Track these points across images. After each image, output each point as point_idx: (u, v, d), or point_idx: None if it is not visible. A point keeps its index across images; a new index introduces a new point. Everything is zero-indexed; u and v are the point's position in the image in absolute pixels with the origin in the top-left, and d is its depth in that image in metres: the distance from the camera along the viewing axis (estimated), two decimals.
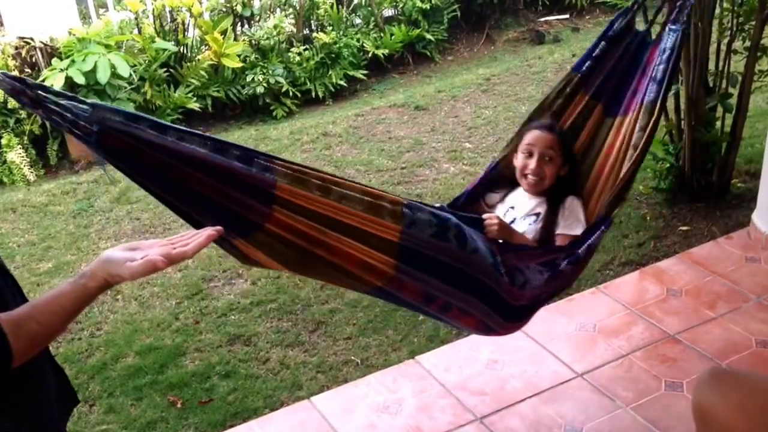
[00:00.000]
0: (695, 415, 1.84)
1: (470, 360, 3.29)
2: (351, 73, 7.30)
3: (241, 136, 6.22)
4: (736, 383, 1.81)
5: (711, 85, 4.18)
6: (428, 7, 7.80)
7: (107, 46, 6.12)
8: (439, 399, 3.09)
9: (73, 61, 5.94)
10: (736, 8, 4.01)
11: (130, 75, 6.11)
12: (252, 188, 1.88)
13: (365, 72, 7.42)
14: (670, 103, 4.33)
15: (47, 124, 5.90)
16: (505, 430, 2.90)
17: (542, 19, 8.65)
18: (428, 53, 7.91)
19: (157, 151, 1.76)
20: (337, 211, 2.00)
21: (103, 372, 3.46)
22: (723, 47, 4.15)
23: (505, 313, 2.46)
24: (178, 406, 3.22)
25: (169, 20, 6.90)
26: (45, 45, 6.23)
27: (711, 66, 4.16)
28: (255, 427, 3.04)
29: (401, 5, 7.79)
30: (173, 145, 1.78)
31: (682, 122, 4.25)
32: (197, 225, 1.92)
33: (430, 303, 2.31)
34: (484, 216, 2.46)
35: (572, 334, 3.39)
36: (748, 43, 4.06)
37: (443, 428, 2.94)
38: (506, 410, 2.99)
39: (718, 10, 4.07)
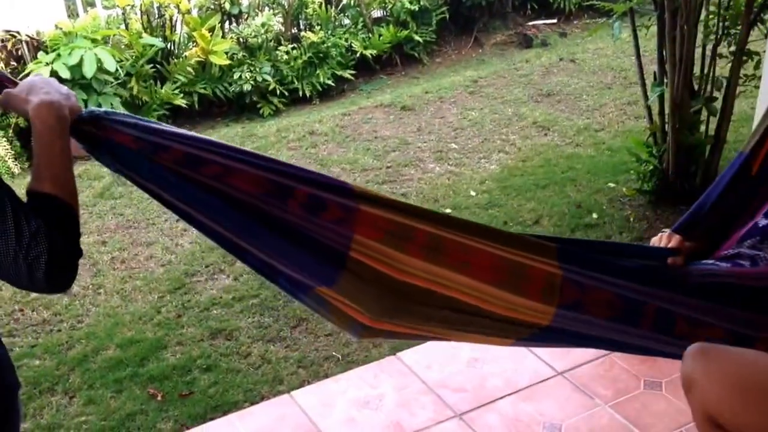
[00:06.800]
0: (683, 384, 1.77)
1: (451, 358, 3.29)
2: (339, 72, 7.30)
3: (228, 133, 6.21)
4: (719, 356, 1.77)
5: (696, 88, 4.21)
6: (417, 9, 7.82)
7: (94, 41, 6.10)
8: (419, 395, 3.09)
9: (59, 55, 5.91)
10: (722, 12, 4.04)
11: (117, 70, 6.09)
12: (326, 184, 1.47)
13: (353, 72, 7.43)
14: (655, 106, 4.35)
15: None
16: (485, 426, 2.90)
17: (530, 23, 8.68)
18: (416, 54, 7.93)
19: (176, 141, 1.40)
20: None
21: (84, 364, 3.44)
22: (708, 51, 4.17)
23: (756, 300, 1.78)
24: (158, 398, 3.20)
25: (156, 16, 6.88)
26: (31, 38, 6.20)
27: (696, 69, 4.18)
28: (235, 421, 3.03)
29: (390, 6, 7.80)
30: (196, 135, 1.44)
31: (666, 125, 4.28)
32: (244, 254, 1.49)
33: (636, 316, 1.70)
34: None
35: None
36: (733, 47, 4.09)
37: (423, 424, 2.94)
38: (486, 407, 2.99)
39: (704, 14, 4.09)
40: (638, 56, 4.39)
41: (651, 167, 4.38)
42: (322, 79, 7.14)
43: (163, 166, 1.42)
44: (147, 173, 1.43)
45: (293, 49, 7.16)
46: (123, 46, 6.47)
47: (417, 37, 7.84)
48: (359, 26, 7.70)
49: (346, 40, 7.46)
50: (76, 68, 5.84)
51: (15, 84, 1.45)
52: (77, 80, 5.88)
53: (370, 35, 7.64)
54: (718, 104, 4.17)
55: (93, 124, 1.41)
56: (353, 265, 1.47)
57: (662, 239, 1.85)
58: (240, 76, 6.79)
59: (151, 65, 6.57)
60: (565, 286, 1.59)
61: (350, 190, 1.48)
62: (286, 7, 7.36)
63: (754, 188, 1.92)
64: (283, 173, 1.44)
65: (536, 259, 1.56)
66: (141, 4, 6.77)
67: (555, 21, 8.76)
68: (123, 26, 6.72)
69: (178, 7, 6.74)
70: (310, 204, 1.43)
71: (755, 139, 1.94)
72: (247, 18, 7.34)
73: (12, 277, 1.33)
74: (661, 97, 4.26)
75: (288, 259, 1.47)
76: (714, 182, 2.00)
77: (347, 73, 7.36)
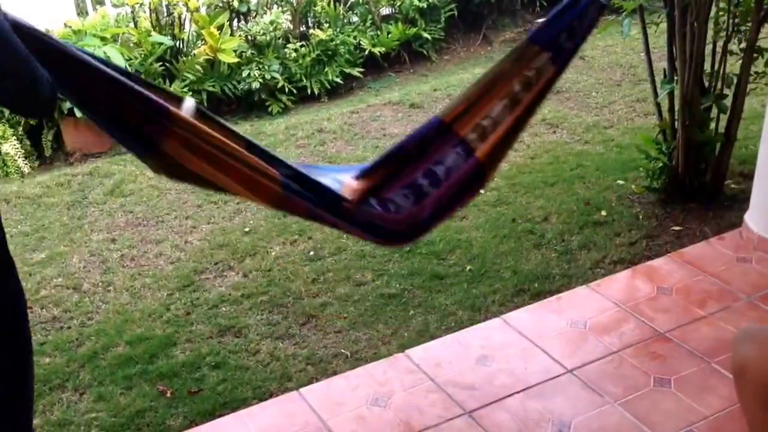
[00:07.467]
0: (733, 369, 1.96)
1: (460, 355, 3.30)
2: (347, 70, 7.29)
3: (236, 131, 6.20)
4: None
5: (706, 85, 4.19)
6: (425, 6, 7.80)
7: (103, 39, 6.12)
8: (428, 393, 3.09)
9: None
10: (732, 8, 4.02)
11: (126, 68, 6.09)
12: (150, 101, 2.14)
13: (361, 70, 7.42)
14: (664, 103, 4.34)
15: None
16: (494, 424, 2.90)
17: (539, 21, 8.64)
18: (425, 52, 7.91)
19: (60, 51, 2.05)
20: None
21: (94, 361, 3.45)
22: (719, 48, 4.16)
23: (387, 235, 2.61)
24: (168, 395, 3.21)
25: (165, 14, 6.89)
26: None
27: (706, 66, 4.17)
28: (244, 417, 3.04)
29: (398, 4, 7.79)
30: (78, 53, 2.05)
31: (676, 122, 4.26)
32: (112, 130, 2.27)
33: (318, 219, 2.55)
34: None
35: (563, 331, 3.39)
36: (744, 44, 4.07)
37: (432, 422, 2.94)
38: (495, 404, 2.99)
39: (714, 10, 4.07)
40: (648, 53, 4.38)
41: (660, 164, 4.37)
42: (330, 77, 7.14)
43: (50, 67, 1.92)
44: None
45: (302, 46, 7.15)
46: (132, 45, 6.48)
47: (425, 35, 7.82)
48: (368, 24, 7.69)
49: (355, 37, 7.46)
50: None
51: None
52: None
53: (379, 33, 7.63)
54: (728, 101, 4.15)
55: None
56: (161, 151, 2.20)
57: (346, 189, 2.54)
58: (248, 74, 6.79)
59: (160, 63, 6.57)
60: (282, 199, 2.39)
61: (170, 114, 2.17)
62: (295, 4, 7.36)
63: (435, 138, 2.58)
64: (123, 88, 2.10)
65: (267, 178, 2.34)
66: (150, 3, 6.77)
67: None
68: (132, 24, 6.72)
69: (186, 5, 6.75)
70: (147, 111, 2.15)
71: (455, 102, 2.61)
72: (255, 16, 7.34)
73: (33, 83, 1.75)
74: (670, 94, 4.25)
75: (127, 141, 2.33)
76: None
77: (356, 71, 7.36)
